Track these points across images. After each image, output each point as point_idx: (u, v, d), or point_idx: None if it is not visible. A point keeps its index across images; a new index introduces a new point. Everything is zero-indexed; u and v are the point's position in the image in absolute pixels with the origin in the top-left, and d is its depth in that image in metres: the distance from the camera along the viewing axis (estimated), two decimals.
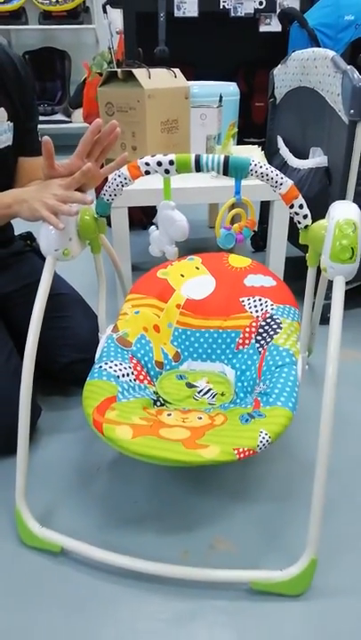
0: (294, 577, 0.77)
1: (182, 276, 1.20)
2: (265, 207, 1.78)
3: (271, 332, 1.04)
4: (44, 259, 1.18)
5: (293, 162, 1.55)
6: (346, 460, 1.03)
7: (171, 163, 0.78)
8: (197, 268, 1.21)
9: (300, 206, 0.81)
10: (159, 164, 0.78)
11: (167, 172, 0.79)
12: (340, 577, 0.81)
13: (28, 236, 1.27)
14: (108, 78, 1.37)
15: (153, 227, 0.89)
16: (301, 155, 1.53)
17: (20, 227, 1.25)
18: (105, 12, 2.49)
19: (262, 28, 2.39)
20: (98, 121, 0.86)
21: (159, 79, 1.33)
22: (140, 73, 1.28)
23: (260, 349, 1.04)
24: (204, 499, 0.95)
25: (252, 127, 2.84)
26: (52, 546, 0.84)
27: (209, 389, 1.05)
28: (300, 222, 0.83)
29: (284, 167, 1.60)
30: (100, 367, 0.94)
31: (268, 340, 1.03)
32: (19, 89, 1.05)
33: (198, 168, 0.78)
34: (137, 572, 0.80)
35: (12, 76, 1.04)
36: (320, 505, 0.75)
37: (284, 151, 1.63)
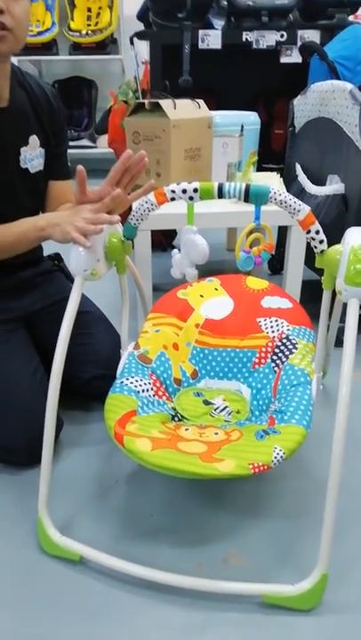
0: (306, 591, 0.78)
1: (201, 296, 1.24)
2: (282, 231, 1.83)
3: (287, 352, 1.07)
4: (70, 278, 1.25)
5: (311, 188, 1.60)
6: (357, 477, 1.05)
7: (195, 190, 0.83)
8: (216, 289, 1.26)
9: (317, 232, 0.85)
10: (184, 191, 0.84)
11: (191, 198, 0.84)
12: (352, 592, 0.82)
13: (56, 257, 1.33)
14: (136, 109, 1.44)
15: (175, 250, 0.94)
16: (319, 182, 1.58)
17: (48, 248, 1.32)
18: (132, 43, 2.60)
19: (283, 60, 2.47)
20: (128, 152, 0.92)
21: (184, 110, 1.40)
22: (166, 104, 1.35)
23: (276, 369, 1.07)
24: (219, 513, 0.97)
25: (271, 154, 2.90)
26: (72, 554, 0.87)
27: (225, 407, 1.08)
28: (316, 247, 0.87)
29: (301, 193, 1.65)
30: (122, 382, 0.98)
31: (284, 359, 1.06)
32: (51, 119, 1.13)
33: (221, 195, 0.82)
34: (152, 582, 0.82)
35: (46, 108, 1.12)
36: (332, 521, 0.77)
37: (303, 178, 1.68)
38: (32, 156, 1.10)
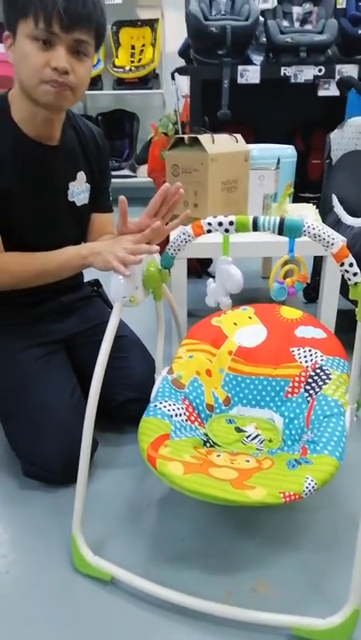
0: (336, 626, 0.77)
1: (235, 324, 1.26)
2: (318, 260, 1.84)
3: (320, 383, 1.07)
4: (108, 304, 1.30)
5: (347, 219, 1.62)
6: None
7: (231, 223, 0.87)
8: (250, 318, 1.28)
9: (351, 265, 0.86)
10: (220, 224, 0.87)
11: (227, 231, 0.88)
12: None
13: (95, 283, 1.39)
14: (176, 143, 1.50)
15: (211, 279, 0.97)
16: (355, 213, 1.59)
17: (88, 274, 1.38)
18: (173, 78, 2.71)
19: (321, 93, 2.51)
20: (166, 185, 0.97)
21: (222, 144, 1.45)
22: (204, 139, 1.40)
23: (309, 399, 1.07)
24: (249, 542, 0.98)
25: (308, 183, 2.94)
26: (103, 574, 0.89)
27: (257, 435, 1.08)
28: (350, 279, 0.88)
29: (337, 224, 1.67)
30: (155, 406, 1.00)
31: (317, 389, 1.06)
32: (97, 157, 1.21)
33: (256, 228, 0.85)
34: (181, 606, 0.83)
35: (93, 148, 1.20)
36: None
37: (339, 209, 1.70)
38: (79, 190, 1.17)
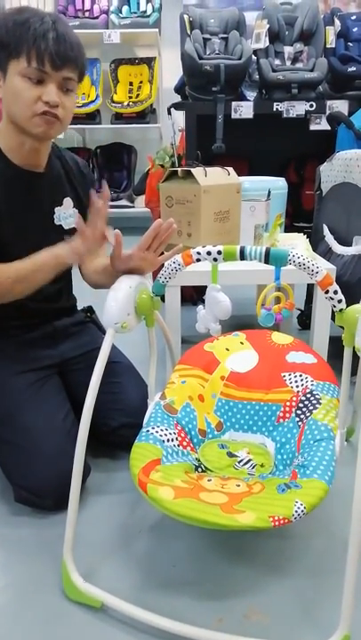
0: None
1: (227, 349, 1.28)
2: (311, 287, 1.88)
3: (311, 407, 1.09)
4: (102, 330, 1.32)
5: (338, 248, 1.66)
6: None
7: (219, 253, 0.90)
8: (242, 343, 1.30)
9: (335, 292, 0.89)
10: (209, 253, 0.90)
11: (215, 260, 0.91)
12: None
13: (89, 309, 1.42)
14: (170, 175, 1.55)
15: (200, 306, 1.00)
16: (345, 242, 1.63)
17: (82, 301, 1.41)
18: (169, 113, 2.80)
19: (312, 127, 2.59)
20: (158, 221, 1.03)
21: (214, 177, 1.51)
22: (197, 172, 1.45)
23: (300, 423, 1.09)
24: (241, 569, 0.97)
25: (301, 213, 3.01)
26: (94, 601, 0.88)
27: (249, 460, 1.09)
28: (335, 306, 0.91)
29: (328, 253, 1.71)
30: (148, 431, 1.02)
31: (308, 414, 1.08)
32: (82, 184, 1.28)
33: (243, 257, 0.89)
34: (171, 633, 0.82)
35: (78, 175, 1.28)
36: (353, 580, 0.76)
37: (329, 238, 1.74)
38: (66, 214, 1.24)
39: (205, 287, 0.98)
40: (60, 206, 1.22)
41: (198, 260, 0.92)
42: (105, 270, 1.19)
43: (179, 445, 1.04)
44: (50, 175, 1.20)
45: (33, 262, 1.07)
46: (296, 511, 0.82)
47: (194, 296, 2.40)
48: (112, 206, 3.85)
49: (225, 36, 2.58)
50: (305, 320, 2.07)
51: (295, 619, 0.87)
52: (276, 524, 0.80)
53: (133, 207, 3.92)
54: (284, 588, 0.93)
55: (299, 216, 2.94)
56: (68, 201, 1.24)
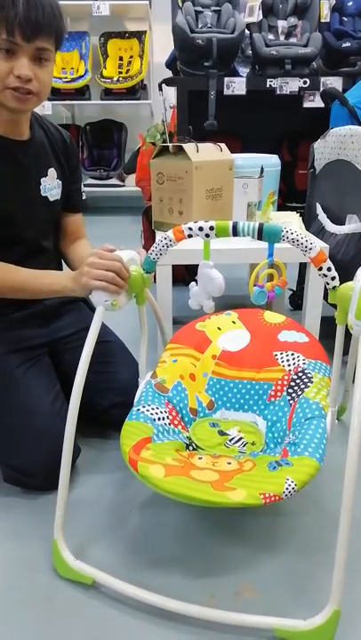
0: (317, 627, 0.78)
1: (219, 329, 1.27)
2: (303, 268, 1.86)
3: (302, 386, 1.09)
4: (92, 309, 1.30)
5: (331, 227, 1.64)
6: None
7: (211, 228, 0.88)
8: (234, 322, 1.29)
9: (329, 269, 0.88)
10: (201, 229, 0.88)
11: (207, 235, 0.89)
12: None
13: None
14: (161, 152, 1.52)
15: (193, 283, 0.98)
16: (338, 221, 1.61)
17: None
18: (160, 89, 2.74)
19: (306, 104, 2.55)
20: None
21: (206, 153, 1.47)
22: (189, 147, 1.42)
23: (291, 402, 1.08)
24: (233, 546, 0.98)
25: (294, 193, 2.98)
26: (85, 578, 0.88)
27: (240, 438, 1.09)
28: (328, 283, 0.90)
29: (321, 232, 1.69)
30: (138, 410, 1.01)
31: (299, 393, 1.08)
32: (66, 155, 1.25)
33: (235, 233, 0.87)
34: (163, 610, 0.83)
35: (62, 146, 1.24)
36: (343, 555, 0.77)
37: (323, 217, 1.72)
38: (51, 186, 1.21)
39: (197, 266, 0.97)
40: (45, 177, 1.20)
41: (190, 236, 0.90)
42: None
43: (170, 424, 1.04)
44: (34, 144, 1.17)
45: (41, 282, 1.09)
46: (287, 488, 0.82)
47: (186, 276, 2.38)
48: (102, 185, 3.79)
49: (217, 8, 2.51)
50: (297, 300, 2.07)
51: (286, 595, 0.88)
52: (267, 501, 0.80)
53: (124, 186, 3.86)
54: (275, 564, 0.94)
55: (291, 196, 2.92)
56: (52, 172, 1.21)
